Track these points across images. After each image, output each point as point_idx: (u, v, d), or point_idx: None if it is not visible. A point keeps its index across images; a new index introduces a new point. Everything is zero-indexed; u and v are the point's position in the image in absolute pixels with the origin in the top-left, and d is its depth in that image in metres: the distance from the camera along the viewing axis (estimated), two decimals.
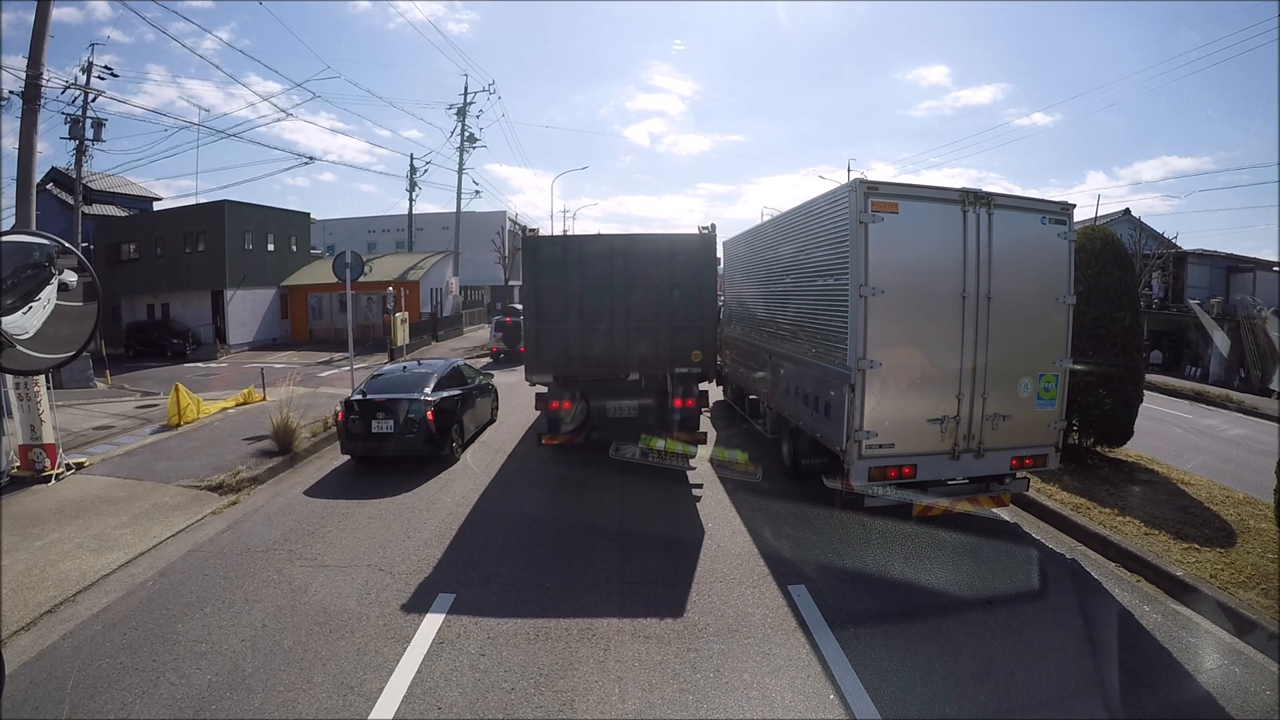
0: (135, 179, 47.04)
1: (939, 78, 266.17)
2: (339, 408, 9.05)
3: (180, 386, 11.87)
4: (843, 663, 4.21)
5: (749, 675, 4.11)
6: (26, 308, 5.92)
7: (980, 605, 5.10)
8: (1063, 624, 4.85)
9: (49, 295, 6.13)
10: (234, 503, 7.71)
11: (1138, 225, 28.65)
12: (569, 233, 32.93)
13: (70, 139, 23.09)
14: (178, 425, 11.35)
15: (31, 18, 10.31)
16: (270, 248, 30.21)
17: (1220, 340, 21.25)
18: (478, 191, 74.65)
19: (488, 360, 21.47)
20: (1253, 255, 27.65)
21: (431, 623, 4.75)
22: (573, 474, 8.76)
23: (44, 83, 10.46)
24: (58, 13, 13.16)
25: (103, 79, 23.53)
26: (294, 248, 32.10)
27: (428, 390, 9.11)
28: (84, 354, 12.77)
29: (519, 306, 17.75)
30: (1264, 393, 17.74)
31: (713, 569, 5.70)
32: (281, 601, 5.14)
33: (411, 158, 48.10)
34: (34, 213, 10.30)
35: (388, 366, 11.53)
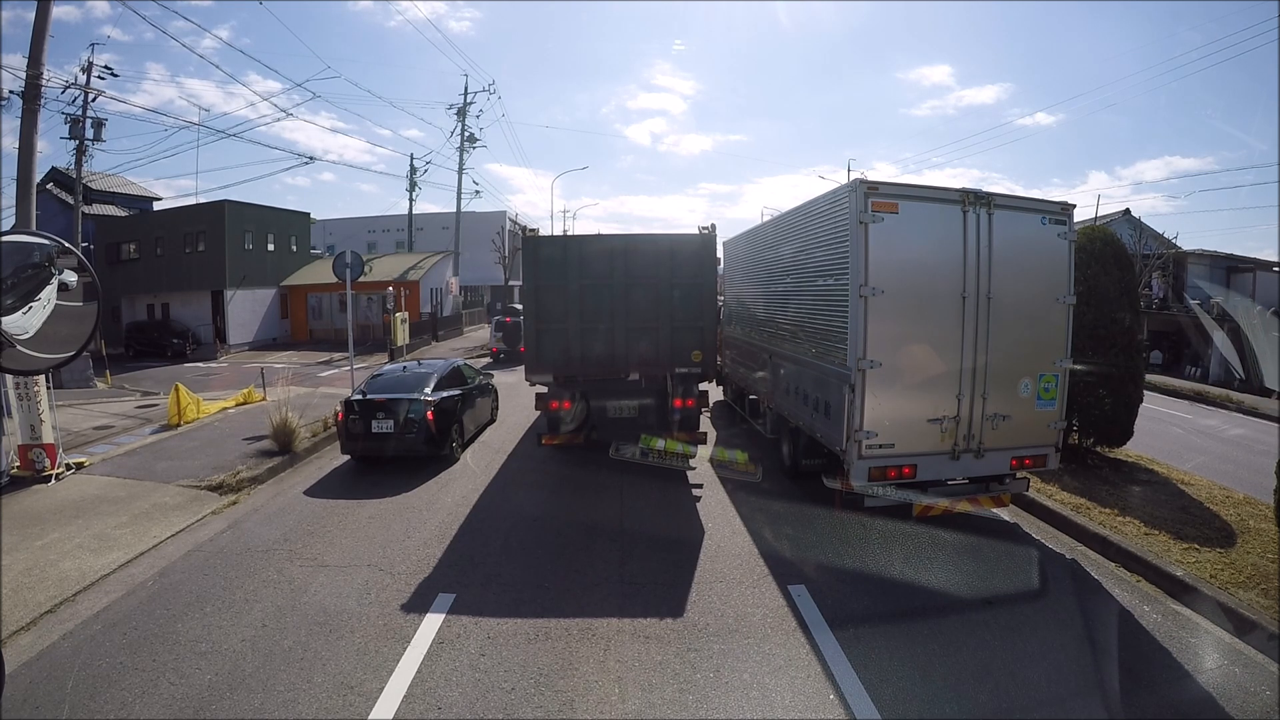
0: (135, 179, 47.25)
1: (942, 77, 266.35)
2: (339, 408, 9.05)
3: (180, 386, 11.88)
4: (843, 663, 4.21)
5: (749, 675, 4.11)
6: (27, 308, 5.93)
7: (980, 605, 5.10)
8: (1063, 624, 4.85)
9: (49, 295, 6.15)
10: (234, 502, 7.71)
11: (1138, 225, 28.67)
12: (569, 233, 32.93)
13: (70, 139, 23.11)
14: (178, 425, 11.35)
15: (31, 16, 10.32)
16: (270, 248, 30.21)
17: (1221, 340, 21.25)
18: (478, 191, 74.57)
19: (488, 360, 21.47)
20: (1253, 255, 27.70)
21: (431, 623, 4.75)
22: (573, 474, 8.76)
23: (44, 82, 10.45)
24: (56, 11, 13.15)
25: (103, 79, 23.56)
26: (294, 248, 32.10)
27: (428, 390, 9.11)
28: (84, 354, 12.75)
29: (519, 306, 17.75)
30: (1264, 393, 17.72)
31: (713, 569, 5.70)
32: (281, 601, 5.14)
33: (411, 158, 48.17)
34: (34, 213, 10.28)
35: (388, 366, 11.53)
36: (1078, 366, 6.94)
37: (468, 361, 12.51)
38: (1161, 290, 26.62)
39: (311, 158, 62.74)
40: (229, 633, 4.67)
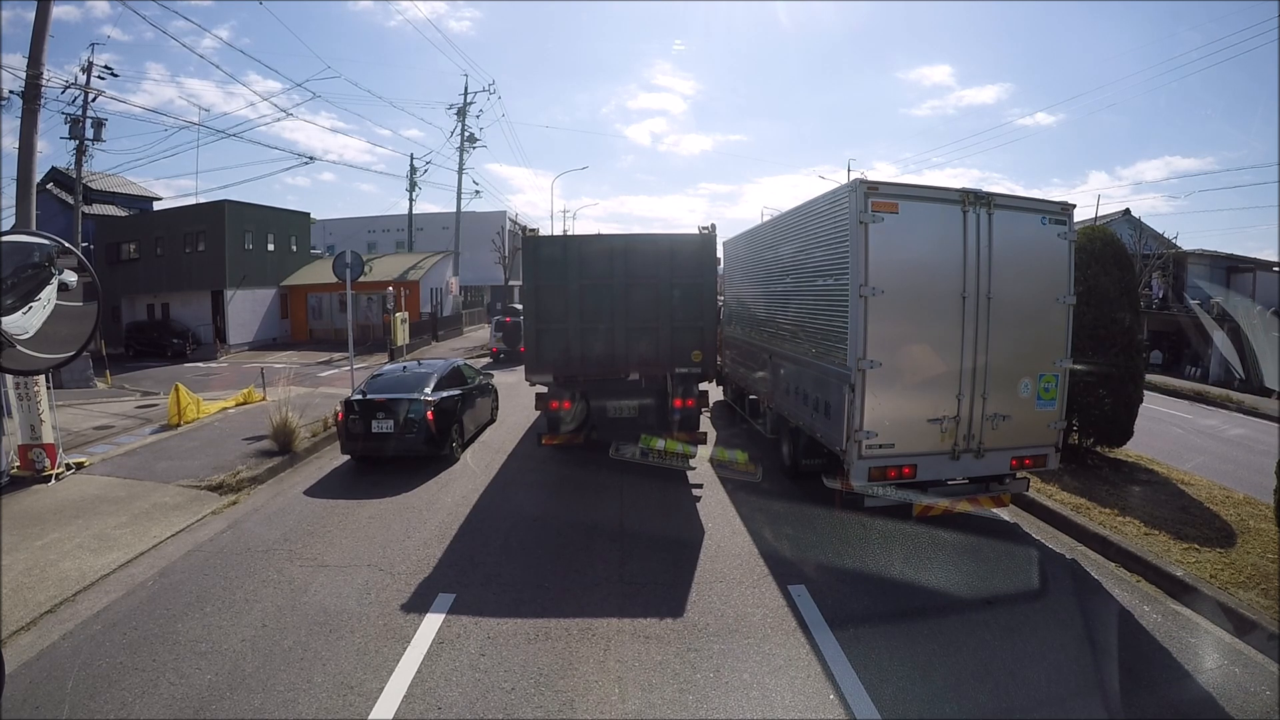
0: (135, 179, 47.26)
1: (942, 77, 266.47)
2: (339, 407, 9.05)
3: (180, 386, 11.88)
4: (843, 663, 4.21)
5: (749, 675, 4.11)
6: (27, 308, 5.92)
7: (980, 605, 5.10)
8: (1063, 624, 4.85)
9: (49, 295, 6.14)
10: (234, 502, 7.71)
11: (1138, 225, 28.67)
12: (569, 233, 32.92)
13: (70, 139, 23.08)
14: (178, 425, 11.35)
15: (31, 16, 10.32)
16: (270, 248, 30.21)
17: (1220, 340, 21.24)
18: (478, 191, 74.52)
19: (488, 360, 21.47)
20: (1253, 255, 27.70)
21: (431, 623, 4.75)
22: (573, 474, 8.76)
23: (44, 82, 10.45)
24: (56, 11, 13.15)
25: (103, 78, 23.54)
26: (294, 248, 32.10)
27: (428, 390, 9.11)
28: (84, 354, 12.75)
29: (519, 306, 17.75)
30: (1264, 393, 17.72)
31: (713, 569, 5.70)
32: (281, 601, 5.14)
33: (411, 157, 48.16)
34: (34, 213, 10.28)
35: (388, 366, 11.53)
36: (1078, 366, 6.94)
37: (468, 361, 12.51)
38: (1161, 290, 26.62)
39: (311, 158, 62.80)
40: (229, 633, 4.67)
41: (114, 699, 3.92)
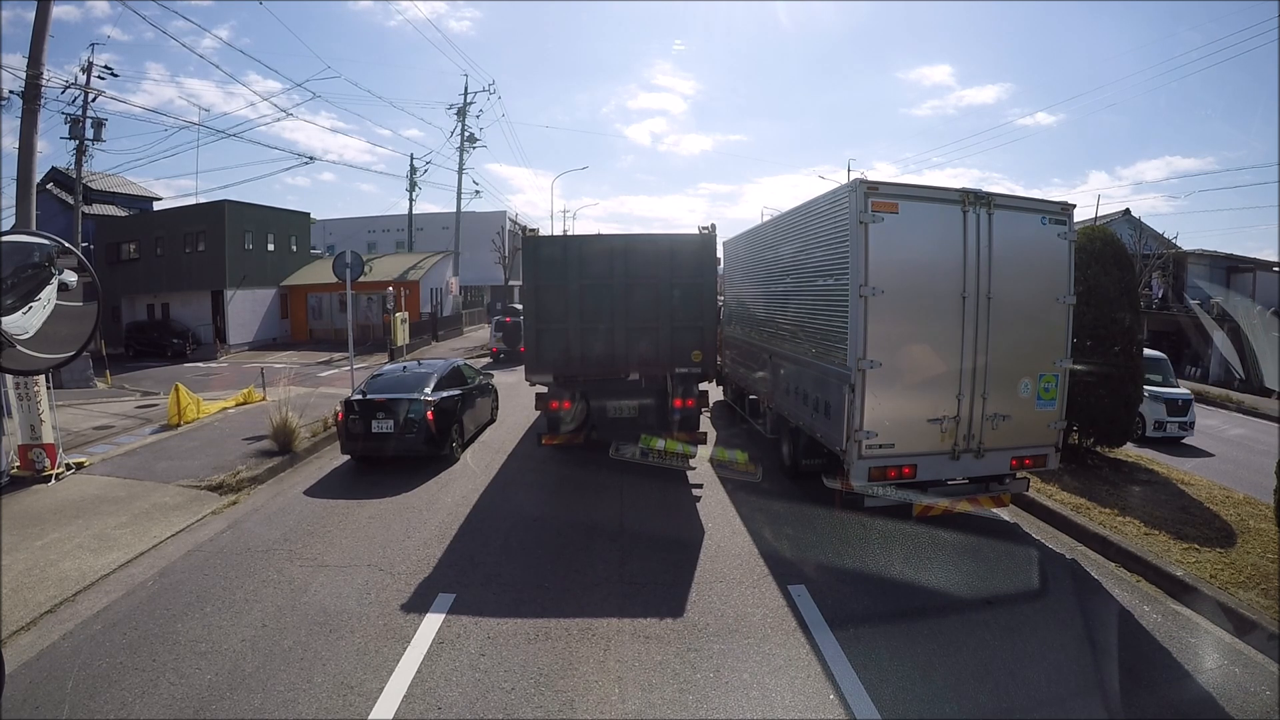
0: (135, 179, 47.27)
1: (943, 77, 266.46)
2: (339, 407, 9.05)
3: (180, 386, 11.88)
4: (843, 663, 4.21)
5: (749, 675, 4.11)
6: (27, 308, 5.92)
7: (980, 605, 5.10)
8: (1063, 624, 4.85)
9: (49, 295, 6.14)
10: (234, 502, 7.71)
11: (1138, 225, 28.67)
12: (569, 233, 32.92)
13: (70, 139, 23.07)
14: (178, 425, 11.35)
15: (31, 16, 10.32)
16: (270, 248, 30.21)
17: (1220, 340, 21.25)
18: (478, 191, 74.49)
19: (488, 360, 21.47)
20: (1253, 255, 27.72)
21: (431, 623, 4.75)
22: (573, 474, 8.76)
23: (44, 82, 10.44)
24: (56, 11, 13.14)
25: (102, 79, 23.52)
26: (294, 248, 32.10)
27: (428, 390, 9.11)
28: (84, 354, 12.76)
29: (519, 306, 17.75)
30: (1264, 393, 17.73)
31: (713, 569, 5.70)
32: (281, 601, 5.14)
33: (411, 158, 48.17)
34: (34, 213, 10.27)
35: (388, 366, 11.53)
36: (1078, 366, 6.94)
37: (468, 361, 12.51)
38: (1161, 290, 26.63)
39: (311, 158, 62.73)
40: (229, 633, 4.67)
41: (114, 699, 3.92)
